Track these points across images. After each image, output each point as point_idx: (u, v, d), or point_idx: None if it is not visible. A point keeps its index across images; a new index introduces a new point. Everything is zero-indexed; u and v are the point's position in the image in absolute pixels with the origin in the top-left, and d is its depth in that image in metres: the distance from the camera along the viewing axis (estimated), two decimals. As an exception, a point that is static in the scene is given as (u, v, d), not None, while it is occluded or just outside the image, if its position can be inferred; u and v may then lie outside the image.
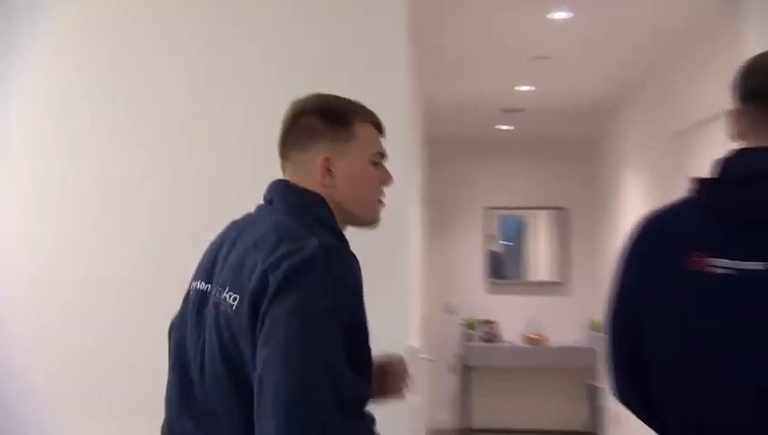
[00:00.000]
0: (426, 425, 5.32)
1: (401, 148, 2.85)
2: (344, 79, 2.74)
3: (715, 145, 3.50)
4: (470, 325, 6.87)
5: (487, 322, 6.90)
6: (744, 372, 1.36)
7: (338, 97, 1.54)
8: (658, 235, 1.55)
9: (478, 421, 6.82)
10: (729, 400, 1.38)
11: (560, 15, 3.70)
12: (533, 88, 5.12)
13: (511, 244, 7.15)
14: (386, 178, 1.52)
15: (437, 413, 6.62)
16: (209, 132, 2.80)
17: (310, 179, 1.45)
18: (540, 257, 7.13)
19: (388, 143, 2.75)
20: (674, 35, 3.94)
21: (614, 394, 1.63)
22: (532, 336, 6.81)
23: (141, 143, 2.80)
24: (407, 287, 2.82)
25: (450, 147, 6.95)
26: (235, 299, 1.28)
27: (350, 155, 1.45)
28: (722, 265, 1.35)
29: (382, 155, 1.52)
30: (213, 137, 2.81)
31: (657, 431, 1.54)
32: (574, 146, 6.83)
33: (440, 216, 6.89)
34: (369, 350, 1.30)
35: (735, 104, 1.49)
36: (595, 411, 6.34)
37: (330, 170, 1.43)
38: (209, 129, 2.80)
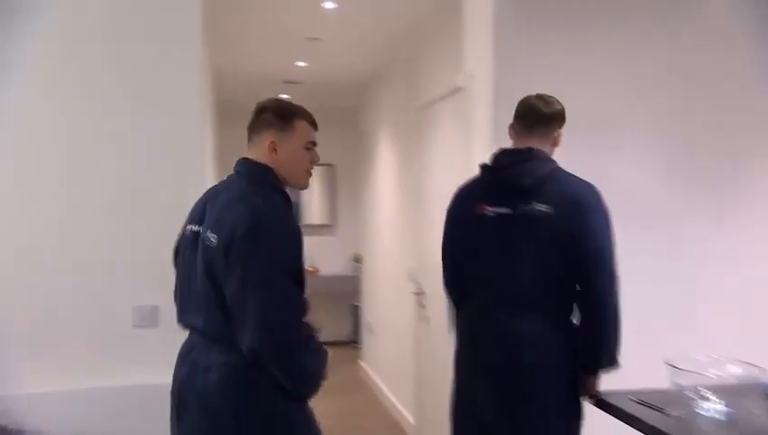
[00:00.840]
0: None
1: (195, 111, 2.95)
2: (140, 48, 2.82)
3: (444, 118, 3.87)
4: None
5: (270, 258, 7.16)
6: (493, 263, 2.24)
7: (289, 102, 1.98)
8: (463, 195, 2.43)
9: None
10: (484, 278, 2.29)
11: (329, 5, 3.92)
12: (308, 64, 5.33)
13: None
14: (314, 158, 1.94)
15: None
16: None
17: (262, 156, 1.86)
18: (313, 205, 7.52)
19: (182, 107, 2.97)
20: (416, 28, 4.24)
21: (444, 284, 2.55)
22: (309, 268, 7.22)
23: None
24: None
25: (241, 111, 6.99)
26: (214, 238, 1.71)
27: (288, 141, 1.86)
28: (490, 210, 2.22)
29: (313, 143, 1.93)
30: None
31: (457, 301, 2.46)
32: (342, 114, 7.21)
33: (230, 170, 6.94)
34: (303, 270, 1.80)
35: (513, 120, 2.35)
36: (356, 325, 6.91)
37: (275, 150, 1.84)
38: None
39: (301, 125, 1.91)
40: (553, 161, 2.26)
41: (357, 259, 6.86)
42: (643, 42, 3.16)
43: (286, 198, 1.86)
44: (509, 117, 2.55)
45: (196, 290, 1.78)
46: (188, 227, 1.91)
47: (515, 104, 2.68)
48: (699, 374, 1.80)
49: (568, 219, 2.10)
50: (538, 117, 2.28)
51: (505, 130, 2.39)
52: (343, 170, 7.41)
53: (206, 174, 2.99)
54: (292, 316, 1.70)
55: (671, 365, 1.86)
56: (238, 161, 1.93)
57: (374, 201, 5.94)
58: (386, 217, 5.44)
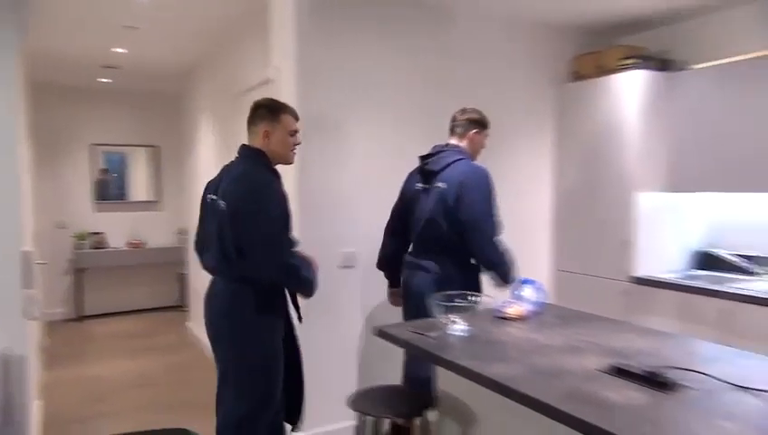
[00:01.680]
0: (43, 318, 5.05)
1: (6, 91, 2.69)
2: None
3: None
4: (80, 237, 6.58)
5: (96, 233, 6.67)
6: (415, 220, 2.84)
7: (278, 100, 2.40)
8: (410, 174, 2.96)
9: (91, 310, 6.64)
10: (412, 229, 2.87)
11: (142, -3, 3.68)
12: (127, 51, 4.98)
13: (115, 174, 6.91)
14: (297, 142, 2.39)
15: (53, 308, 6.31)
16: None
17: (257, 142, 2.32)
18: (139, 183, 7.07)
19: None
20: (229, 22, 4.16)
21: (385, 229, 3.07)
22: (134, 242, 6.84)
23: None
24: (17, 205, 2.74)
25: (60, 92, 6.47)
26: (223, 205, 2.23)
27: (277, 130, 2.30)
28: (419, 186, 2.86)
29: (296, 131, 2.36)
30: None
31: (391, 243, 3.04)
32: (165, 98, 6.88)
33: (52, 151, 6.44)
34: (289, 223, 2.31)
35: None
36: (183, 291, 6.69)
37: (268, 137, 2.29)
38: None
39: (286, 118, 2.33)
40: (461, 154, 2.78)
41: (182, 232, 6.61)
42: (410, 54, 3.48)
43: (274, 173, 2.31)
44: (311, 107, 2.70)
45: (210, 241, 2.31)
46: (208, 196, 2.38)
47: (316, 95, 2.86)
48: (450, 305, 2.08)
49: (453, 194, 2.64)
50: (455, 122, 2.88)
51: (308, 116, 2.57)
52: (168, 151, 7.05)
53: (17, 155, 2.73)
54: (283, 247, 2.24)
55: (430, 299, 2.14)
56: (240, 146, 2.36)
57: (197, 179, 5.75)
58: (208, 192, 5.30)
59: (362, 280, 3.31)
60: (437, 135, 2.96)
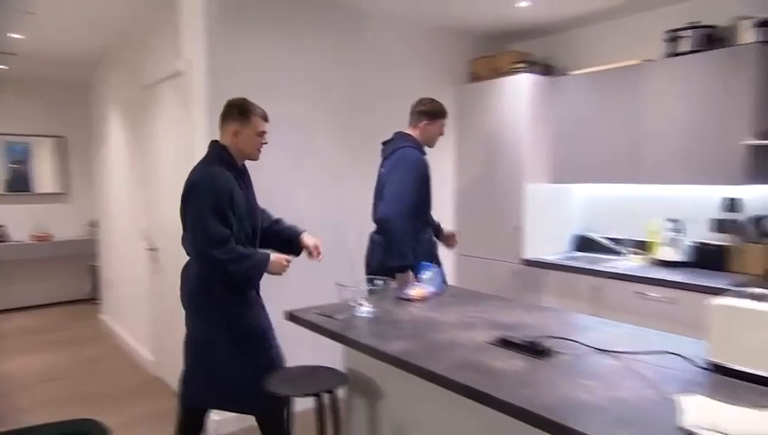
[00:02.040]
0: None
1: None
2: None
3: (167, 97, 3.72)
4: (-21, 230, 5.99)
5: (-3, 226, 6.12)
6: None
7: (250, 103, 2.39)
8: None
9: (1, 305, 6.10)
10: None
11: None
12: (24, 37, 4.55)
13: (18, 165, 6.34)
14: (264, 141, 2.42)
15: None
16: None
17: (227, 138, 2.38)
18: (44, 174, 6.52)
19: None
20: (137, 13, 3.93)
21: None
22: (39, 234, 6.32)
23: None
24: None
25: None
26: (182, 194, 2.32)
27: (246, 129, 2.36)
28: (382, 169, 2.93)
29: (264, 132, 2.41)
30: None
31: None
32: (72, 87, 6.37)
33: None
34: (229, 217, 2.26)
35: None
36: (95, 284, 6.31)
37: (236, 136, 2.36)
38: None
39: (255, 119, 2.37)
40: (406, 141, 2.88)
41: (93, 224, 6.21)
42: (317, 54, 3.46)
43: (230, 166, 2.35)
44: (221, 99, 2.63)
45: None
46: None
47: (228, 88, 2.79)
48: (356, 289, 2.12)
49: (388, 174, 2.82)
50: (410, 113, 2.95)
51: (219, 111, 2.51)
52: (75, 141, 6.55)
53: None
54: (210, 238, 2.22)
55: (339, 284, 2.17)
56: (210, 142, 2.43)
57: (107, 170, 5.43)
58: (119, 184, 5.02)
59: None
60: (342, 131, 2.99)
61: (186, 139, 3.27)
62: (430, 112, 2.92)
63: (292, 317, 2.21)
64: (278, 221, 2.67)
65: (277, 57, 3.28)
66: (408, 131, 2.94)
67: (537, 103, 3.78)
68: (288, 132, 3.29)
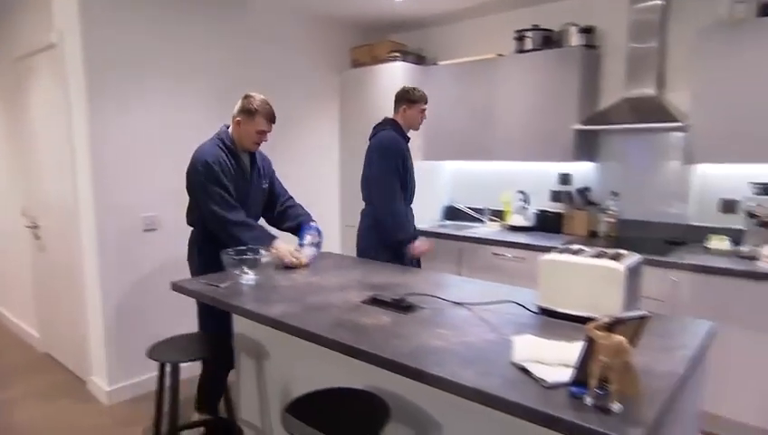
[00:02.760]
0: None
1: None
2: None
3: (42, 70, 3.26)
4: None
5: None
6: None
7: (263, 104, 2.36)
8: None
9: None
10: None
11: None
12: None
13: None
14: (263, 139, 2.40)
15: None
16: None
17: (232, 125, 2.38)
18: None
19: None
20: None
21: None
22: None
23: None
24: None
25: None
26: None
27: (247, 124, 2.35)
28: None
29: (263, 131, 2.38)
30: None
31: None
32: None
33: None
34: (228, 189, 2.30)
35: None
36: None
37: (239, 126, 2.35)
38: None
39: (259, 119, 2.35)
40: (387, 125, 2.84)
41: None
42: (200, 36, 3.23)
43: (226, 148, 2.34)
44: (99, 71, 2.36)
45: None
46: None
47: (104, 61, 2.49)
48: (240, 257, 2.03)
49: (368, 157, 2.81)
50: (394, 99, 2.91)
51: (98, 84, 2.25)
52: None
53: None
54: (213, 204, 2.25)
55: (224, 253, 2.06)
56: (221, 126, 2.43)
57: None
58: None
59: (165, 241, 3.07)
60: (224, 110, 2.82)
61: (63, 112, 2.92)
62: (406, 98, 2.86)
63: (177, 287, 2.08)
64: (296, 215, 2.62)
65: (157, 36, 2.98)
66: (389, 117, 2.91)
67: (410, 89, 3.84)
68: (161, 108, 3.04)
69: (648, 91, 2.99)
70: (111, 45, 2.78)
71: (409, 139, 2.90)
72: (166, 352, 1.99)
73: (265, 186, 2.55)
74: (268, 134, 2.42)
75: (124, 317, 2.95)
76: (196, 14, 3.16)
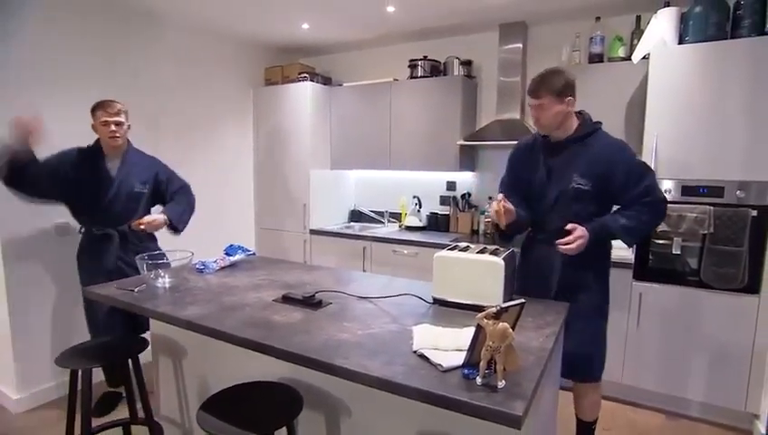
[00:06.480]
0: None
1: None
2: None
3: None
4: None
5: None
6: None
7: (101, 101, 2.25)
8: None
9: None
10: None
11: None
12: None
13: None
14: (110, 129, 2.24)
15: None
16: None
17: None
18: None
19: None
20: None
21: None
22: None
23: None
24: None
25: None
26: None
27: (95, 122, 2.25)
28: None
29: (106, 121, 2.22)
30: None
31: None
32: None
33: None
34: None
35: None
36: None
37: (94, 129, 2.27)
38: None
39: (98, 112, 2.22)
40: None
41: None
42: (115, 54, 2.85)
43: (88, 151, 2.27)
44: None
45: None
46: None
47: (8, 85, 2.08)
48: (154, 262, 1.79)
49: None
50: None
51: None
52: None
53: None
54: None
55: (139, 258, 1.80)
56: None
57: None
58: None
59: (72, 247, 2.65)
60: (137, 130, 2.51)
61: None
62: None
63: (90, 293, 1.79)
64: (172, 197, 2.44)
65: (68, 54, 2.57)
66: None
67: (318, 106, 3.72)
68: (73, 125, 2.65)
69: (514, 115, 3.16)
70: (5, 67, 2.34)
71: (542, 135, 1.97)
72: (77, 359, 1.69)
73: (139, 189, 2.34)
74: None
75: (34, 325, 2.50)
76: (108, 41, 2.77)
